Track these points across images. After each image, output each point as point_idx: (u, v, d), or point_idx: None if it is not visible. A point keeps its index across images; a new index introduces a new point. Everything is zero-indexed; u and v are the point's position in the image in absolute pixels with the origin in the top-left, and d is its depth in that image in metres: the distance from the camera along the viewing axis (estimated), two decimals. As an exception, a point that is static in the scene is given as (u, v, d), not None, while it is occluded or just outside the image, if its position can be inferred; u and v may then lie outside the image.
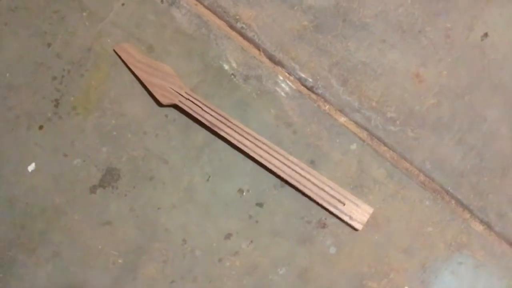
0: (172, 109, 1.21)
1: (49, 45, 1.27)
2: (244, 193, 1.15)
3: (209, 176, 1.16)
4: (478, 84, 1.16)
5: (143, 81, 1.21)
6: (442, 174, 1.13)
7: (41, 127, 1.22)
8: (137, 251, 1.14)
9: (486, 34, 1.19)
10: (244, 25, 1.25)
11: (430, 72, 1.18)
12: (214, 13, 1.27)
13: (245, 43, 1.25)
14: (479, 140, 1.14)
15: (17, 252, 1.18)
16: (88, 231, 1.16)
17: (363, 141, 1.16)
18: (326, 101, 1.19)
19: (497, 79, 1.16)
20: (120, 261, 1.15)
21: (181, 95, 1.18)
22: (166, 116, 1.21)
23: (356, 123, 1.17)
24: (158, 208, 1.16)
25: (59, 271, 1.16)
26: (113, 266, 1.15)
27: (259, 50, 1.24)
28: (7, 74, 1.25)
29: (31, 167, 1.19)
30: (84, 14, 1.28)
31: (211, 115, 1.17)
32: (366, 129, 1.17)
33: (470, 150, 1.13)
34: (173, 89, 1.19)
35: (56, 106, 1.23)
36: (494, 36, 1.19)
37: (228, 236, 1.14)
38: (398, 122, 1.16)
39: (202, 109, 1.17)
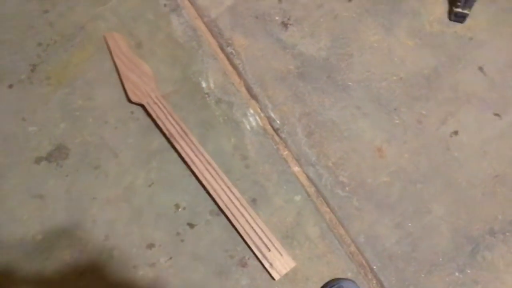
0: (139, 108, 1.22)
1: (45, 11, 1.30)
2: (180, 210, 1.15)
3: (152, 183, 1.17)
4: (434, 177, 1.18)
5: (120, 73, 1.23)
6: (373, 251, 1.13)
7: (10, 86, 1.23)
8: (59, 233, 1.14)
9: (456, 132, 1.21)
10: (233, 51, 1.28)
11: (393, 151, 1.20)
12: (210, 31, 1.30)
13: (229, 68, 1.27)
14: (418, 230, 1.14)
15: None
16: (19, 198, 1.15)
17: (309, 195, 1.17)
18: (286, 146, 1.20)
19: (453, 178, 1.17)
20: (39, 237, 1.14)
21: (151, 98, 1.20)
22: (132, 113, 1.22)
23: (307, 176, 1.18)
24: (93, 198, 1.16)
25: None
26: (31, 240, 1.14)
27: (240, 78, 1.26)
28: (-4, 27, 1.27)
29: (-15, 120, 1.20)
30: None
31: (172, 125, 1.18)
32: (315, 185, 1.18)
33: (406, 237, 1.14)
34: (145, 90, 1.20)
35: (32, 70, 1.24)
36: (463, 136, 1.21)
37: (150, 246, 1.14)
38: (347, 188, 1.17)
39: (166, 117, 1.18)
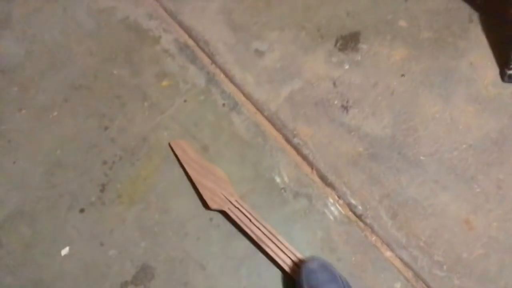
0: (217, 214, 1.20)
1: (105, 128, 1.29)
2: (279, 316, 1.11)
3: (245, 291, 1.13)
4: (528, 242, 1.16)
5: (194, 181, 1.21)
6: (486, 331, 1.10)
7: (82, 210, 1.20)
8: None
9: (537, 192, 1.21)
10: (300, 141, 1.28)
11: (480, 221, 1.19)
12: (273, 124, 1.30)
13: (299, 159, 1.27)
14: (526, 300, 1.12)
15: None
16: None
17: (408, 281, 1.14)
18: (373, 232, 1.18)
19: (547, 239, 1.16)
20: None
21: (231, 203, 1.18)
22: (211, 219, 1.20)
23: (402, 260, 1.16)
24: (187, 318, 1.11)
25: None
26: None
27: (312, 168, 1.25)
28: (58, 151, 1.26)
29: (64, 251, 1.16)
30: (146, 104, 1.31)
31: (258, 227, 1.16)
32: (411, 269, 1.15)
33: (515, 310, 1.11)
34: (223, 195, 1.19)
35: (102, 191, 1.22)
36: None
37: None
38: (444, 267, 1.15)
39: (250, 220, 1.16)
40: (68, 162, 1.25)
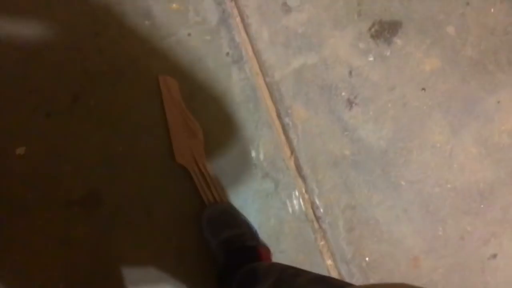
0: (182, 167, 1.16)
1: (96, 34, 1.20)
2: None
3: (180, 253, 1.14)
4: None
5: (169, 127, 1.17)
6: None
7: (48, 115, 1.17)
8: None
9: (495, 256, 1.23)
10: (291, 123, 1.21)
11: (428, 263, 1.20)
12: (270, 94, 1.22)
13: (282, 140, 1.22)
14: None
15: None
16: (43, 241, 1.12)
17: (336, 293, 1.17)
18: (324, 237, 1.19)
19: None
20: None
21: (197, 165, 1.14)
22: (173, 170, 1.16)
23: (339, 273, 1.19)
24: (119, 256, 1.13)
25: None
26: None
27: (291, 154, 1.21)
28: (40, 40, 1.16)
29: (20, 150, 1.14)
30: (147, 23, 1.22)
31: (214, 196, 1.14)
32: (344, 284, 1.17)
33: None
34: (192, 154, 1.14)
35: (74, 101, 1.18)
36: (500, 261, 1.23)
37: None
38: (375, 293, 1.18)
39: (209, 189, 1.14)
40: (47, 56, 1.16)
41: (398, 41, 1.26)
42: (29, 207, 1.14)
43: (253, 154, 1.20)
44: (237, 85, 1.21)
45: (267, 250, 1.10)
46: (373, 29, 1.26)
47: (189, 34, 1.21)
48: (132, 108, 1.18)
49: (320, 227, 1.20)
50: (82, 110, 1.17)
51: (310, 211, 1.20)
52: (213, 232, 1.06)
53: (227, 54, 1.22)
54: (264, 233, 1.17)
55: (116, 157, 1.17)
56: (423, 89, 1.25)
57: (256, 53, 1.22)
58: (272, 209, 1.19)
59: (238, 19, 1.23)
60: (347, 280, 1.18)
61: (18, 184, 1.13)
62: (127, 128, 1.18)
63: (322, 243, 1.20)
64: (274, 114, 1.22)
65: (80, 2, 1.18)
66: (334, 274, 1.19)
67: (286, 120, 1.21)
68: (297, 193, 1.20)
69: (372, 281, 1.19)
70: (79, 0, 1.19)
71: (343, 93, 1.23)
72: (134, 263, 1.14)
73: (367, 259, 1.20)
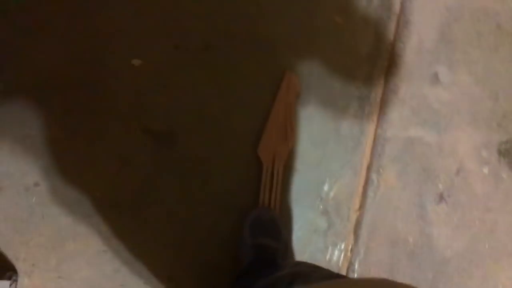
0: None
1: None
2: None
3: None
4: None
5: (269, 122, 1.16)
6: None
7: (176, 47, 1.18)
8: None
9: None
10: (375, 181, 1.17)
11: None
12: (374, 144, 1.18)
13: (358, 192, 1.16)
14: None
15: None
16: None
17: None
18: None
19: None
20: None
21: (273, 166, 1.13)
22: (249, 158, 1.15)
23: None
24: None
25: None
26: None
27: (360, 209, 1.16)
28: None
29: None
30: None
31: (269, 200, 1.12)
32: None
33: None
34: (274, 156, 1.14)
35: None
36: None
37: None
38: None
39: (270, 192, 1.12)
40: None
41: (520, 170, 1.19)
42: (112, 115, 1.16)
43: (325, 188, 1.17)
44: (348, 119, 1.19)
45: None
46: (503, 146, 1.19)
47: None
48: (248, 82, 1.19)
49: None
50: (207, 59, 1.19)
51: (345, 270, 1.15)
52: (253, 233, 1.04)
53: (357, 87, 1.20)
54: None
55: (208, 115, 1.18)
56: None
57: (383, 102, 1.20)
58: (312, 246, 1.15)
59: (385, 63, 1.22)
60: None
61: (117, 88, 1.17)
62: (233, 98, 1.19)
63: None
64: (365, 165, 1.18)
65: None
66: None
67: (373, 176, 1.17)
68: (342, 246, 1.15)
69: None
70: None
71: (440, 185, 1.17)
72: (169, 212, 1.14)
73: None
